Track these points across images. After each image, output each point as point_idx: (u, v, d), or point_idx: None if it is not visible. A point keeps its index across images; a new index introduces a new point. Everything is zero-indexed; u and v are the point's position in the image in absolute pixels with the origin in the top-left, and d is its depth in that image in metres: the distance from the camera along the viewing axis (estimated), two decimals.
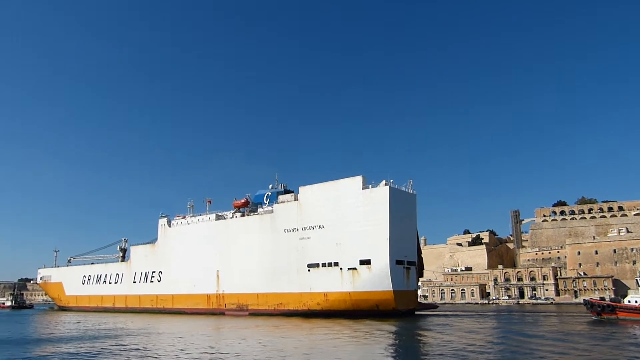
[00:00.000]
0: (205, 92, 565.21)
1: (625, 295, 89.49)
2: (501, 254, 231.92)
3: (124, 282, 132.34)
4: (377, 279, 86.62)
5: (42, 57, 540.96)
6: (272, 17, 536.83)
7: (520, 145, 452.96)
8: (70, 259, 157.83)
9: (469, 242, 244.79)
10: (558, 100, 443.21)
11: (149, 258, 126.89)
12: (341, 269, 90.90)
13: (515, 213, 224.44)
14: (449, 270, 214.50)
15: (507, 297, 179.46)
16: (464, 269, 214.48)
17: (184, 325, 75.13)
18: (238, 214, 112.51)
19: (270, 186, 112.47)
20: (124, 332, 62.80)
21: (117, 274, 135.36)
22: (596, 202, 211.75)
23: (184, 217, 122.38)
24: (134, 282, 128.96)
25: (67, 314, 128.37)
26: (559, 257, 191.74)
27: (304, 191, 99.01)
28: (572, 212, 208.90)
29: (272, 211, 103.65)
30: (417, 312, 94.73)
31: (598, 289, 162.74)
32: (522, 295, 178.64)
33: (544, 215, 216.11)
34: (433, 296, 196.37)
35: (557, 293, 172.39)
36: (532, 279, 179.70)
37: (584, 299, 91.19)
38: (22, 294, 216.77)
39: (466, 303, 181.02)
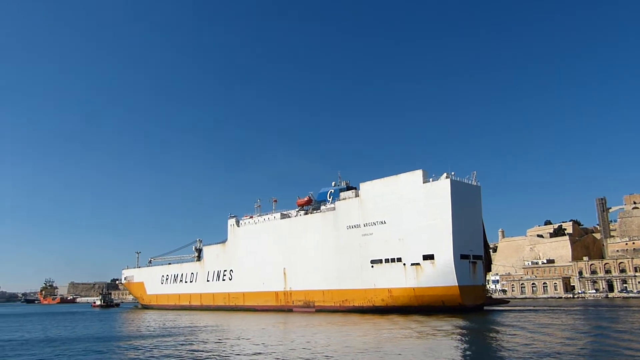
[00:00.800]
0: (275, 95, 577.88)
1: None
2: (587, 245, 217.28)
3: (198, 280, 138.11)
4: (442, 274, 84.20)
5: (124, 66, 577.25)
6: (324, 12, 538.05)
7: (605, 128, 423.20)
8: (150, 260, 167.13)
9: (550, 233, 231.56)
10: None
11: (220, 257, 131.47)
12: (404, 264, 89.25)
13: (601, 201, 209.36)
14: (529, 264, 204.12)
15: (594, 291, 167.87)
16: (545, 261, 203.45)
17: (257, 322, 76.89)
18: (302, 212, 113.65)
19: (333, 183, 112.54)
20: (214, 329, 65.29)
21: (192, 273, 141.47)
22: None
23: (251, 217, 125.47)
24: (208, 280, 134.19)
25: (149, 312, 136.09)
26: None
27: (365, 187, 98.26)
28: None
29: (334, 208, 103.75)
30: (486, 308, 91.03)
31: None
32: (611, 288, 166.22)
33: (634, 202, 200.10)
34: (512, 290, 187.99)
35: None
36: (622, 270, 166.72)
37: None
38: (110, 294, 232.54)
39: (548, 297, 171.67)
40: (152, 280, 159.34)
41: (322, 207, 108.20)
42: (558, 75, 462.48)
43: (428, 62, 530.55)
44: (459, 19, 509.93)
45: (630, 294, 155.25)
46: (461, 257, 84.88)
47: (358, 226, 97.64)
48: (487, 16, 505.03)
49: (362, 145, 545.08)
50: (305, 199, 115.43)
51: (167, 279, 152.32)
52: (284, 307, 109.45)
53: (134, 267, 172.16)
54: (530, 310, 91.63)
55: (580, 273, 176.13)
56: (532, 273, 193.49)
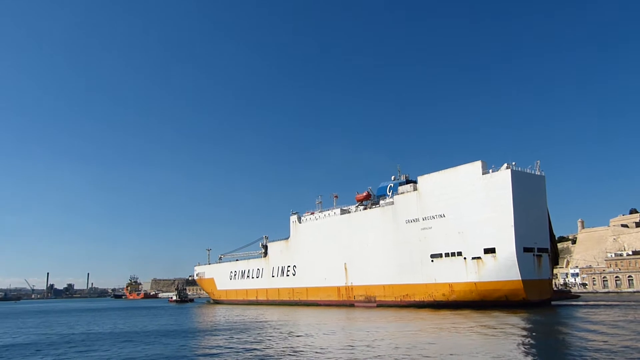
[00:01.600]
0: (335, 88, 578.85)
1: None
2: None
3: (264, 276, 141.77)
4: (504, 268, 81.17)
5: (203, 71, 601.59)
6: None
7: None
8: (221, 257, 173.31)
9: (636, 222, 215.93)
10: None
11: (283, 253, 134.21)
12: (465, 258, 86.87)
13: None
14: (613, 255, 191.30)
15: None
16: (631, 253, 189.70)
17: (324, 317, 77.73)
18: (361, 208, 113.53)
19: (392, 177, 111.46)
20: (284, 324, 67.11)
21: (258, 269, 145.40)
22: None
23: (312, 213, 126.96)
24: (272, 276, 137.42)
25: (218, 306, 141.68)
26: None
27: (423, 180, 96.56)
28: None
29: (392, 203, 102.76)
30: (553, 303, 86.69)
31: None
32: None
33: None
34: (594, 284, 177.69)
35: None
36: None
37: None
38: (186, 289, 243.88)
39: (634, 292, 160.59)
40: (221, 276, 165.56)
41: (381, 202, 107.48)
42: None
43: (487, 44, 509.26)
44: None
45: None
46: (524, 250, 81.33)
47: (417, 220, 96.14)
48: None
49: (419, 136, 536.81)
50: (364, 194, 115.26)
51: (235, 275, 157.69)
52: (345, 302, 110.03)
53: (205, 264, 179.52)
54: (604, 305, 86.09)
55: None
56: (616, 266, 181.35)
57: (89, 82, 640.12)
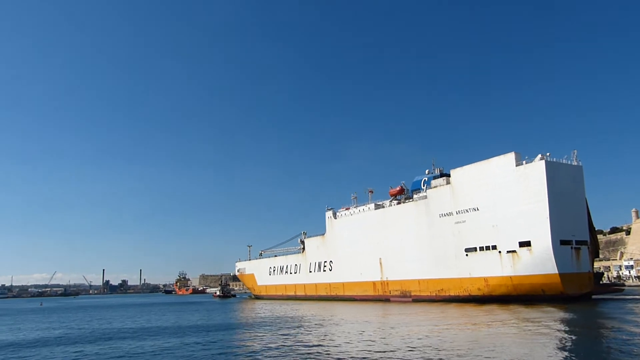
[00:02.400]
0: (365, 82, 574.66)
1: None
2: None
3: (301, 271, 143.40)
4: (540, 261, 79.19)
5: (228, 62, 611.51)
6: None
7: None
8: (261, 253, 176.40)
9: None
10: None
11: (320, 249, 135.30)
12: (499, 252, 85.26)
13: None
14: None
15: None
16: None
17: (359, 312, 77.93)
18: (395, 202, 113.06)
19: (426, 171, 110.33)
20: (325, 319, 67.21)
21: (296, 264, 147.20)
22: None
23: (347, 209, 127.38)
24: (310, 271, 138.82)
25: (259, 302, 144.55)
26: None
27: (455, 173, 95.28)
28: None
29: (425, 197, 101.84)
30: (594, 297, 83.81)
31: None
32: None
33: None
34: None
35: None
36: None
37: None
38: (228, 285, 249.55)
39: None
40: (261, 271, 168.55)
41: (415, 196, 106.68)
42: None
43: (522, 31, 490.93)
44: None
45: None
46: (561, 242, 79.03)
47: (450, 214, 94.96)
48: None
49: (453, 129, 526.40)
50: (398, 188, 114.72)
51: (274, 270, 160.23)
52: (381, 296, 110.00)
53: (246, 260, 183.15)
54: None
55: None
56: None
57: (145, 86, 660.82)
